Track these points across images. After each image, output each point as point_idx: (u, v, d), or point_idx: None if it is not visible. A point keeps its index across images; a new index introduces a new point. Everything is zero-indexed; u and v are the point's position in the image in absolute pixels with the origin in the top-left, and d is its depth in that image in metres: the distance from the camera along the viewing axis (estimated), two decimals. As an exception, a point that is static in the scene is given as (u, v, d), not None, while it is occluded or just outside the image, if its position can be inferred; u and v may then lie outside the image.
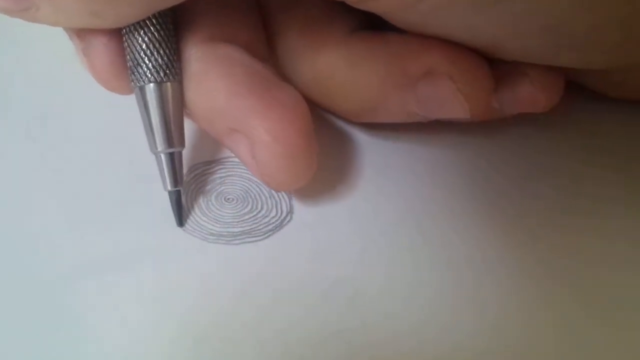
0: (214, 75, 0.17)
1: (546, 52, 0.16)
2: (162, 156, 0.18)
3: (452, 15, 0.15)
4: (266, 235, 0.18)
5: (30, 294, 0.17)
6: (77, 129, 0.21)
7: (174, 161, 0.18)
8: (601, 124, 0.21)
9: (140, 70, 0.17)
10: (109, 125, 0.21)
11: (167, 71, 0.17)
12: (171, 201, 0.18)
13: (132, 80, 0.17)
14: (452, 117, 0.17)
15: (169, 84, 0.17)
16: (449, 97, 0.17)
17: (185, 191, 0.19)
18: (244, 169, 0.20)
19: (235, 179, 0.20)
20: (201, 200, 0.19)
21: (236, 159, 0.20)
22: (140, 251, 0.18)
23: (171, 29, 0.18)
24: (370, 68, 0.17)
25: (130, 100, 0.22)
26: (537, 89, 0.17)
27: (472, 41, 0.16)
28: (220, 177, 0.20)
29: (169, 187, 0.18)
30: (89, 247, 0.18)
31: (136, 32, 0.17)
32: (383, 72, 0.17)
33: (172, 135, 0.18)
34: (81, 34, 0.17)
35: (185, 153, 0.20)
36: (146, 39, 0.17)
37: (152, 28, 0.17)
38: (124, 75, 0.18)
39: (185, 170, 0.20)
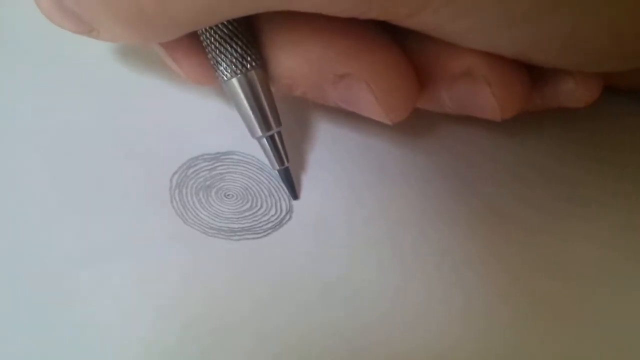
0: (297, 35, 0.17)
1: (571, 63, 0.17)
2: (264, 140, 0.19)
3: (478, 34, 0.16)
4: (266, 233, 0.19)
5: (29, 283, 0.17)
6: (74, 123, 0.21)
7: (275, 142, 0.19)
8: (603, 131, 0.22)
9: (221, 68, 0.18)
10: (108, 119, 0.21)
11: (245, 61, 0.17)
12: (282, 179, 0.20)
13: (218, 77, 0.18)
14: (482, 117, 0.18)
15: (252, 72, 0.18)
16: (483, 100, 0.17)
17: (185, 185, 0.19)
18: (244, 167, 0.20)
19: (235, 176, 0.20)
20: (201, 195, 0.19)
21: (236, 156, 0.20)
22: (140, 242, 0.18)
23: (239, 17, 0.17)
24: (416, 58, 0.18)
25: (127, 93, 0.22)
26: (578, 85, 0.18)
27: (499, 53, 0.17)
28: (220, 174, 0.20)
29: (277, 167, 0.19)
30: (88, 238, 0.18)
31: (207, 33, 0.17)
32: (426, 63, 0.18)
33: (268, 119, 0.18)
34: (163, 42, 0.18)
35: (187, 149, 0.20)
36: (217, 36, 0.17)
37: (219, 25, 0.17)
38: (212, 71, 0.18)
39: (184, 160, 0.20)
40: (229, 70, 0.18)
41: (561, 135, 0.22)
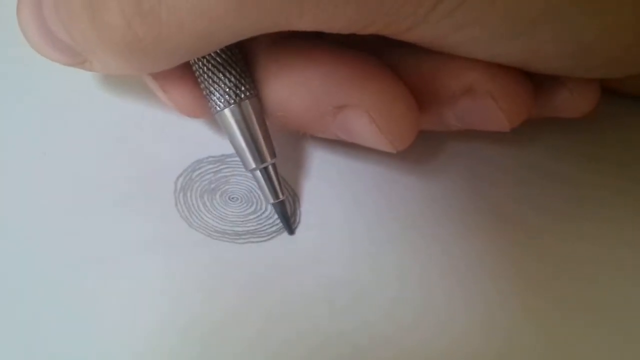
0: (293, 65, 0.17)
1: (574, 70, 0.17)
2: (257, 173, 0.18)
3: (480, 44, 0.16)
4: (270, 236, 0.19)
5: (31, 284, 0.17)
6: (78, 124, 0.21)
7: (269, 175, 0.18)
8: (603, 131, 0.22)
9: (214, 97, 0.17)
10: (112, 120, 0.21)
11: (239, 90, 0.17)
12: (277, 213, 0.19)
13: (211, 107, 0.17)
14: (490, 130, 0.18)
15: (246, 101, 0.17)
16: (489, 115, 0.17)
17: (190, 188, 0.20)
18: (248, 170, 0.20)
19: (240, 178, 0.20)
20: (206, 198, 0.19)
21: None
22: (146, 244, 0.18)
23: (233, 46, 0.17)
24: (415, 80, 0.18)
25: (131, 95, 0.22)
26: (575, 96, 0.18)
27: (501, 62, 0.17)
28: (225, 176, 0.20)
29: (271, 200, 0.18)
30: (92, 240, 0.18)
31: (200, 62, 0.17)
32: (426, 84, 0.18)
33: (262, 150, 0.18)
34: (154, 73, 0.17)
35: (191, 152, 0.20)
36: (210, 65, 0.17)
37: (212, 54, 0.17)
38: (204, 102, 0.18)
39: (189, 163, 0.20)
40: (222, 100, 0.17)
41: (561, 136, 0.22)
